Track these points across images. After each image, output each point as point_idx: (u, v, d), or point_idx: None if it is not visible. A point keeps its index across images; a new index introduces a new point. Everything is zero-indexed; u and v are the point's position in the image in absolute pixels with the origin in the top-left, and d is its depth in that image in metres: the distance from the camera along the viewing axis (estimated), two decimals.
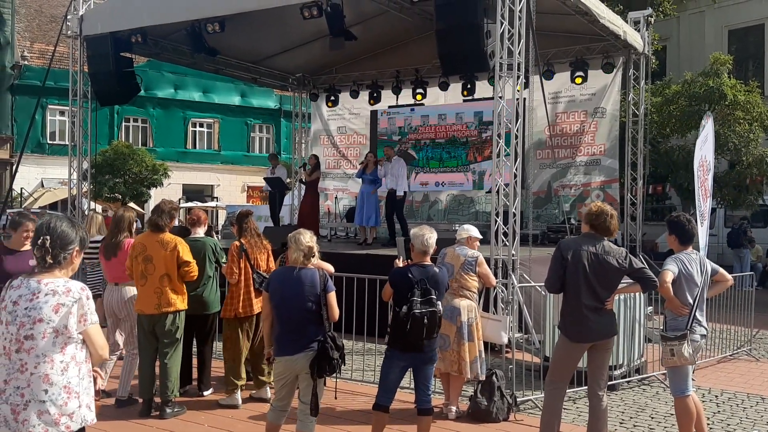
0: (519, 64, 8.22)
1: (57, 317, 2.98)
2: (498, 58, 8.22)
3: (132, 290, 6.31)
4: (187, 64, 13.86)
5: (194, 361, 6.79)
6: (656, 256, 14.68)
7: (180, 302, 6.00)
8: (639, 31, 12.35)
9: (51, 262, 3.06)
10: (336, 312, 4.68)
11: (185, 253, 5.98)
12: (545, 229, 12.90)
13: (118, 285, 6.37)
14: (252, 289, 6.36)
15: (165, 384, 5.96)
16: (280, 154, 30.23)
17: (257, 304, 6.32)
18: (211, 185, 31.95)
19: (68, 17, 11.64)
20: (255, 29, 11.95)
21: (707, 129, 8.95)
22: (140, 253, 5.96)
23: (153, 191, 25.06)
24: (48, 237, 3.06)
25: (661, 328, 5.34)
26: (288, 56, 14.34)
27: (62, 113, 26.85)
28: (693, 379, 5.31)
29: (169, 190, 26.50)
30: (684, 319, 5.08)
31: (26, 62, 27.72)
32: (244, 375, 6.44)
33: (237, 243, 6.42)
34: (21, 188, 25.41)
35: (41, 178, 26.89)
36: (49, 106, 27.38)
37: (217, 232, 21.05)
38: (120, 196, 23.40)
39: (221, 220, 27.19)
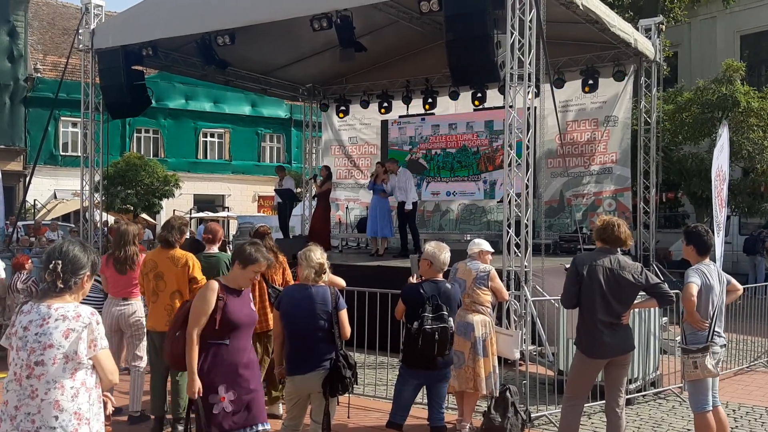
0: (530, 74, 8.18)
1: (67, 343, 2.96)
2: (508, 69, 8.17)
3: (140, 306, 6.31)
4: (197, 76, 13.92)
5: None
6: (669, 264, 14.57)
7: None
8: (650, 38, 12.28)
9: (62, 286, 3.04)
10: (348, 330, 4.64)
11: (196, 269, 5.96)
12: (558, 239, 12.82)
13: (128, 300, 6.35)
14: (267, 303, 6.31)
15: (176, 401, 5.92)
16: (291, 163, 30.34)
17: (273, 320, 6.28)
18: (222, 195, 32.05)
19: (80, 31, 11.72)
20: (265, 41, 11.99)
21: (723, 138, 8.88)
22: (151, 269, 5.94)
23: (164, 202, 25.15)
24: (60, 261, 3.04)
25: (678, 340, 5.29)
26: (298, 67, 14.37)
27: (75, 125, 27.06)
28: (715, 394, 5.24)
29: (180, 201, 26.60)
30: (704, 331, 5.02)
31: (39, 74, 27.94)
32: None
33: None
34: (34, 200, 25.59)
35: (54, 190, 27.07)
36: (62, 118, 27.57)
37: (228, 243, 21.06)
38: (132, 207, 23.50)
39: (233, 230, 27.23)
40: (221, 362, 4.08)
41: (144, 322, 6.36)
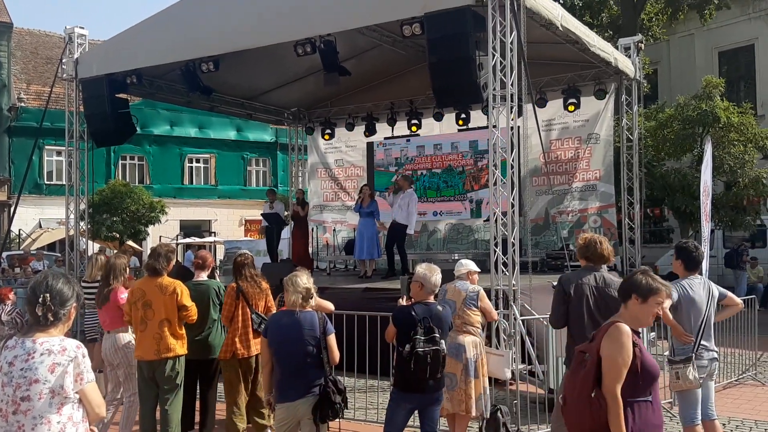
0: (512, 95, 8.25)
1: (53, 377, 2.94)
2: (491, 90, 8.25)
3: (126, 337, 6.26)
4: (182, 102, 13.94)
5: (197, 406, 6.69)
6: None
7: (180, 347, 5.92)
8: (630, 56, 12.45)
9: (52, 319, 3.03)
10: (336, 355, 4.63)
11: (184, 296, 5.92)
12: (544, 257, 12.87)
13: (110, 332, 6.32)
14: (250, 329, 6.27)
15: (166, 430, 5.87)
16: (277, 186, 30.29)
17: (255, 346, 6.24)
18: (209, 220, 31.91)
19: (63, 60, 11.72)
20: (249, 66, 12.04)
21: (708, 154, 9.02)
22: (139, 298, 5.90)
23: (151, 228, 25.03)
24: (47, 294, 3.03)
25: (668, 353, 5.35)
26: (283, 91, 14.44)
27: (59, 153, 26.95)
28: (710, 407, 5.28)
29: (166, 227, 26.47)
30: (689, 344, 5.09)
31: (23, 104, 27.85)
32: (244, 415, 6.33)
33: (233, 285, 6.35)
34: (19, 229, 25.36)
35: (39, 219, 26.86)
36: (46, 147, 27.42)
37: (216, 268, 20.95)
38: (118, 235, 23.35)
39: (219, 255, 27.14)
40: (648, 425, 3.28)
41: (125, 354, 6.29)
